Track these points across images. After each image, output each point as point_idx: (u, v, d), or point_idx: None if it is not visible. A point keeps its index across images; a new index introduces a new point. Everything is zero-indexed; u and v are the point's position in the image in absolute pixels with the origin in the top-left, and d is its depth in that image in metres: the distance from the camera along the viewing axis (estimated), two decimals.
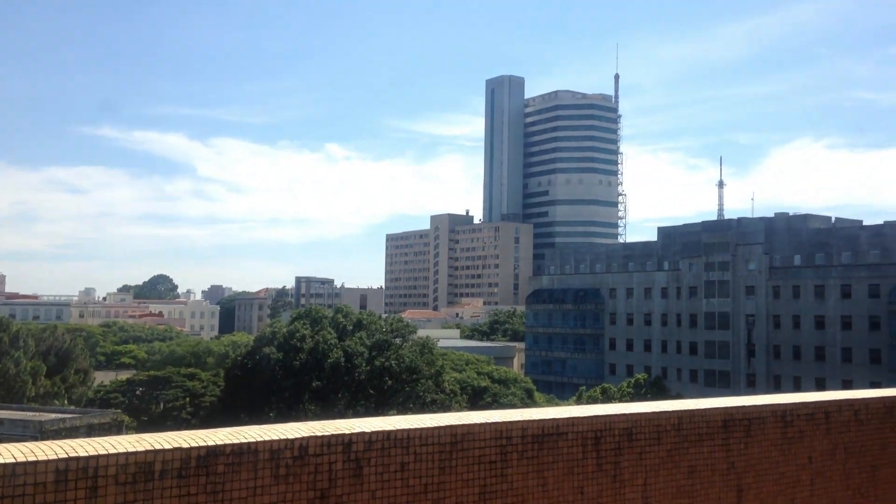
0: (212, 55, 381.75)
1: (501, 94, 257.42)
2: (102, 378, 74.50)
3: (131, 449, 2.73)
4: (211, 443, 2.89)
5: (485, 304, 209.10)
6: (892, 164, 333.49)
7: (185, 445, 2.83)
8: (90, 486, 2.63)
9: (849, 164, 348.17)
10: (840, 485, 4.81)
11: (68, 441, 2.74)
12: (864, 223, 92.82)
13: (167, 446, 2.80)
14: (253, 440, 2.99)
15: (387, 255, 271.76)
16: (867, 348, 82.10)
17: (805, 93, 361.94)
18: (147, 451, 2.75)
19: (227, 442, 2.93)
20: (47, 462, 2.57)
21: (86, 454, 2.64)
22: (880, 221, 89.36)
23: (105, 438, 2.80)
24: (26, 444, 2.66)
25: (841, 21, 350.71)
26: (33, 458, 2.55)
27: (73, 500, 2.60)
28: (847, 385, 78.46)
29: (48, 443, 2.69)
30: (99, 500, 2.64)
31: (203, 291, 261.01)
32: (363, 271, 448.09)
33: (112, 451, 2.69)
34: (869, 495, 4.94)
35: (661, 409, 4.22)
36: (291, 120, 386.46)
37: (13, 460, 2.53)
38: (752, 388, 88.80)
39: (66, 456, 2.61)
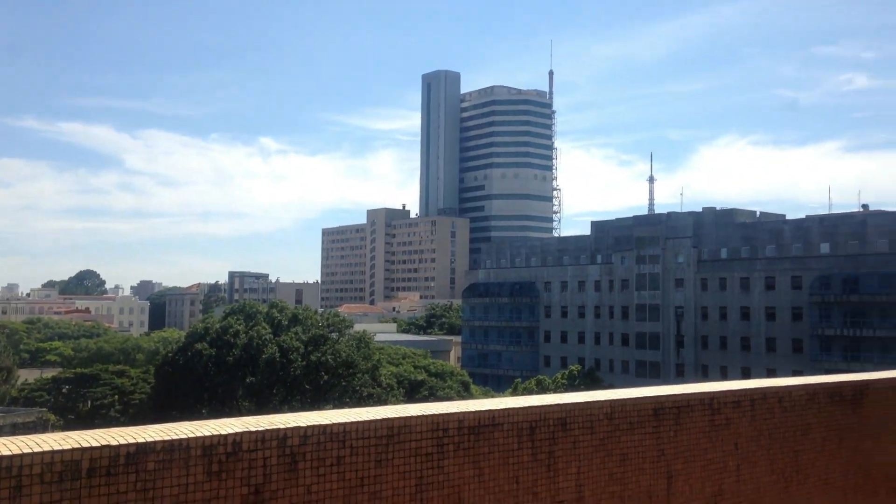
0: (140, 46, 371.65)
1: (437, 88, 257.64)
2: (27, 376, 72.01)
3: (57, 447, 2.65)
4: (141, 440, 2.83)
5: (421, 298, 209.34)
6: (813, 160, 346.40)
7: (114, 443, 2.76)
8: (14, 485, 2.54)
9: (773, 160, 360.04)
10: (765, 469, 4.98)
11: None
12: (788, 217, 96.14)
13: (95, 444, 2.72)
14: (184, 436, 2.93)
15: (323, 250, 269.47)
16: (790, 338, 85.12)
17: (731, 91, 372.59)
18: (74, 450, 2.67)
19: (158, 439, 2.86)
20: None
21: (9, 453, 2.55)
22: (803, 216, 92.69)
23: (30, 437, 2.71)
24: None
25: (765, 22, 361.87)
26: None
27: None
28: (771, 373, 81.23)
29: None
30: (24, 500, 2.56)
31: (132, 287, 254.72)
32: (299, 266, 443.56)
33: (37, 449, 2.61)
34: (792, 479, 5.12)
35: (594, 399, 4.30)
36: (223, 113, 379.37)
37: None
38: (681, 377, 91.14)
39: None
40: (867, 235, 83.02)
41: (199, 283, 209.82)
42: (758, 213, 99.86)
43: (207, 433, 2.98)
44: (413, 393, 64.60)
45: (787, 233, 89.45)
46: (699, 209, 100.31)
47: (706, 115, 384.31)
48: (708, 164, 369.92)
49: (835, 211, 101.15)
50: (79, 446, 2.69)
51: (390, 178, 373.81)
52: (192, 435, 2.94)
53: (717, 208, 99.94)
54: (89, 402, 61.69)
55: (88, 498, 2.68)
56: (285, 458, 3.16)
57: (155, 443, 2.84)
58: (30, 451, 2.60)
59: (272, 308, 63.77)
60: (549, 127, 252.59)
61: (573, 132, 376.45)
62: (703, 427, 4.68)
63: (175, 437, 2.91)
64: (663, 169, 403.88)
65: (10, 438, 2.69)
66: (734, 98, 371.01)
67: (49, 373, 72.25)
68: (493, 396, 72.99)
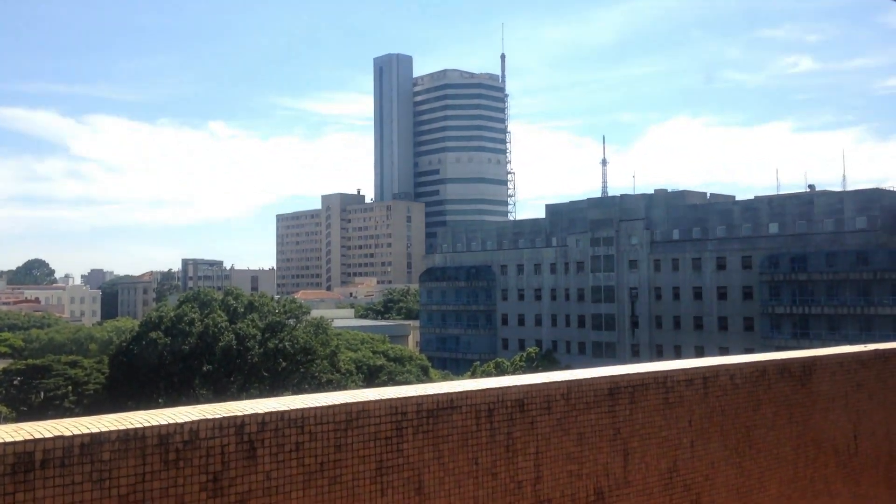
0: (83, 30, 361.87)
1: (390, 72, 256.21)
2: None
3: (9, 439, 2.60)
4: (95, 430, 2.79)
5: (379, 283, 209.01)
6: (761, 141, 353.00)
7: (68, 433, 2.72)
8: None
9: (722, 141, 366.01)
10: (718, 445, 5.10)
11: None
12: (737, 198, 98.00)
13: (48, 435, 2.68)
14: (140, 426, 2.90)
15: (278, 236, 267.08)
16: (741, 317, 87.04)
17: (680, 73, 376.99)
18: (26, 441, 2.63)
19: (113, 428, 2.83)
20: None
21: None
22: (752, 196, 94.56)
23: None
24: None
25: (711, 4, 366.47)
26: None
27: None
28: (724, 352, 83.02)
29: None
30: None
31: (83, 276, 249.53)
32: (254, 253, 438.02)
33: None
34: (745, 455, 5.26)
35: (551, 380, 4.35)
36: (171, 97, 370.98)
37: None
38: (636, 357, 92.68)
39: None
40: (814, 215, 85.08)
41: (152, 272, 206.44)
42: (708, 195, 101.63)
43: (163, 422, 2.96)
44: (372, 378, 64.63)
45: (737, 213, 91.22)
46: (651, 191, 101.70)
47: (657, 98, 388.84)
48: (659, 146, 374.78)
49: (783, 191, 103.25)
50: (31, 438, 2.64)
51: (345, 164, 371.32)
52: (147, 424, 2.91)
53: (669, 190, 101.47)
54: (42, 394, 60.46)
55: (43, 489, 2.64)
56: (243, 445, 3.15)
57: (110, 432, 2.81)
58: None
59: (227, 295, 63.13)
60: (503, 111, 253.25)
61: (526, 115, 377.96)
62: (658, 405, 4.77)
63: (130, 426, 2.88)
64: (616, 151, 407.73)
65: None
66: (684, 80, 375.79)
67: None
68: (452, 380, 73.40)
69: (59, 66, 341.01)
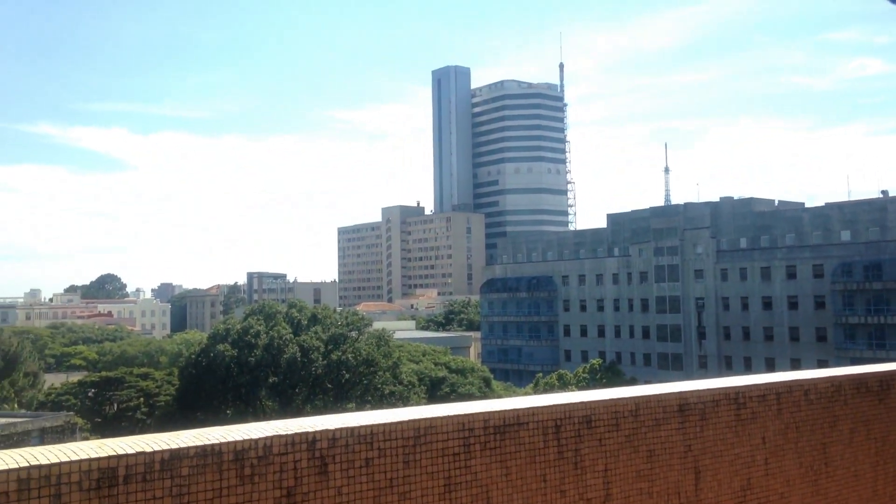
0: (149, 49, 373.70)
1: (448, 84, 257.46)
2: (53, 380, 72.81)
3: (94, 455, 2.70)
4: (174, 446, 2.88)
5: (439, 294, 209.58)
6: (829, 146, 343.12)
7: (149, 449, 2.81)
8: (54, 493, 2.60)
9: (789, 147, 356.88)
10: (793, 463, 4.97)
11: (29, 449, 2.70)
12: (807, 205, 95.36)
13: (130, 451, 2.78)
14: (216, 441, 2.98)
15: (339, 249, 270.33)
16: (813, 327, 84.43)
17: (743, 78, 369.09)
18: (110, 457, 2.72)
19: (191, 444, 2.91)
20: (9, 471, 2.54)
21: (48, 462, 2.61)
22: (822, 203, 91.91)
23: (67, 445, 2.77)
24: None
25: (774, 8, 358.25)
26: None
27: None
28: (795, 363, 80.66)
29: (8, 452, 2.65)
30: None
31: (153, 290, 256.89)
32: (315, 265, 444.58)
33: (74, 457, 2.66)
34: (821, 472, 5.11)
35: (619, 396, 4.31)
36: (233, 114, 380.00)
37: None
38: (703, 369, 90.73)
39: (27, 464, 2.57)
40: (888, 221, 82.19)
41: (219, 285, 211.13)
42: (776, 202, 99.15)
43: (239, 438, 3.03)
44: (434, 390, 64.71)
45: (807, 221, 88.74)
46: (716, 199, 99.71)
47: (720, 104, 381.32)
48: (723, 154, 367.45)
49: (854, 198, 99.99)
50: (115, 453, 2.74)
51: (404, 176, 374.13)
52: (224, 440, 2.99)
53: (735, 198, 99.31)
54: (115, 405, 62.31)
55: None
56: (315, 460, 3.20)
57: (188, 448, 2.89)
58: (67, 459, 2.66)
59: (291, 308, 64.10)
60: (562, 120, 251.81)
61: (586, 124, 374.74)
62: (730, 422, 4.68)
63: (207, 442, 2.95)
64: (678, 159, 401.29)
65: (48, 447, 2.74)
66: (746, 86, 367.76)
67: (75, 377, 73.04)
68: (514, 391, 72.98)
69: (128, 86, 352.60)
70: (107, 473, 2.71)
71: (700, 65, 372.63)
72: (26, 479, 2.56)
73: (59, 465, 2.63)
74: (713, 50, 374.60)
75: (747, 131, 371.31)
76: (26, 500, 2.55)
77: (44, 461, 2.61)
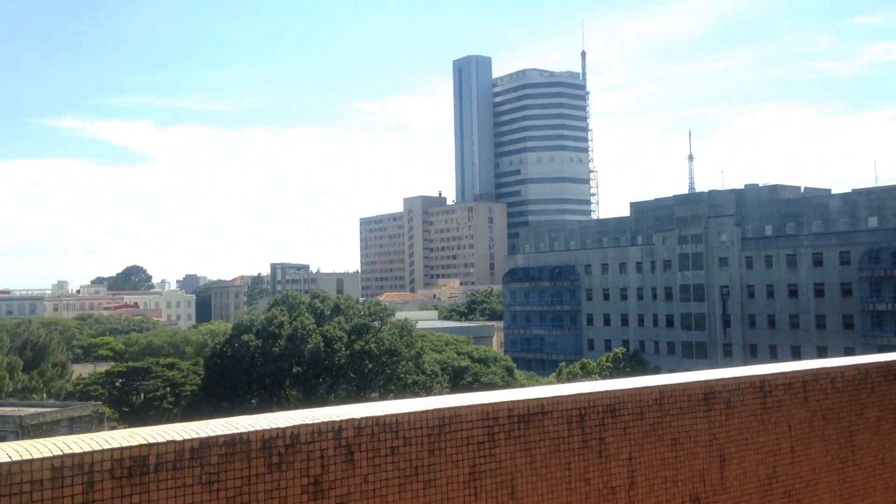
0: (171, 43, 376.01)
1: (469, 74, 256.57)
2: (81, 371, 73.87)
3: (125, 444, 2.75)
4: (204, 434, 2.92)
5: (461, 284, 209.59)
6: (856, 132, 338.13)
7: (179, 438, 2.86)
8: (86, 481, 2.66)
9: (815, 134, 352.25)
10: (819, 451, 4.94)
11: (61, 438, 2.75)
12: (833, 192, 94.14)
13: (160, 439, 2.83)
14: (245, 430, 3.02)
15: (361, 239, 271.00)
16: (840, 315, 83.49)
17: (768, 65, 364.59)
18: (141, 445, 2.78)
19: (220, 433, 2.96)
20: (42, 459, 2.59)
21: (80, 450, 2.66)
22: (848, 189, 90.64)
23: (98, 434, 2.82)
24: (20, 442, 2.67)
25: None
26: (28, 457, 2.57)
27: (70, 496, 2.62)
28: (822, 351, 79.83)
29: (42, 440, 2.71)
30: (96, 495, 2.67)
31: (178, 281, 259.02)
32: (338, 256, 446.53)
33: (106, 446, 2.72)
34: (847, 460, 5.08)
35: (643, 385, 4.30)
36: (254, 107, 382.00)
37: (8, 459, 2.54)
38: (728, 358, 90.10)
39: (60, 453, 2.63)
40: None
41: (243, 276, 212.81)
42: (802, 189, 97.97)
43: (266, 426, 3.07)
44: (457, 379, 64.85)
45: (834, 207, 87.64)
46: (741, 186, 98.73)
47: (744, 91, 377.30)
48: (748, 141, 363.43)
49: (882, 184, 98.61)
50: (146, 442, 2.79)
51: (426, 166, 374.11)
52: (252, 429, 3.03)
53: (760, 185, 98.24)
54: (142, 395, 63.12)
55: (157, 491, 2.78)
56: (341, 449, 3.24)
57: (217, 437, 2.94)
58: (99, 447, 2.71)
59: (314, 298, 64.49)
60: (584, 108, 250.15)
61: (609, 113, 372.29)
62: (755, 410, 4.66)
63: (236, 431, 3.00)
64: (702, 147, 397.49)
65: (80, 436, 2.80)
66: (772, 71, 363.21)
67: (102, 367, 74.06)
68: (537, 381, 72.92)
69: (151, 80, 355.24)
70: (138, 462, 2.76)
71: (724, 52, 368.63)
72: (60, 467, 2.62)
73: (92, 453, 2.68)
74: (738, 36, 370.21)
75: (773, 118, 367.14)
76: (60, 487, 2.61)
77: (76, 450, 2.66)
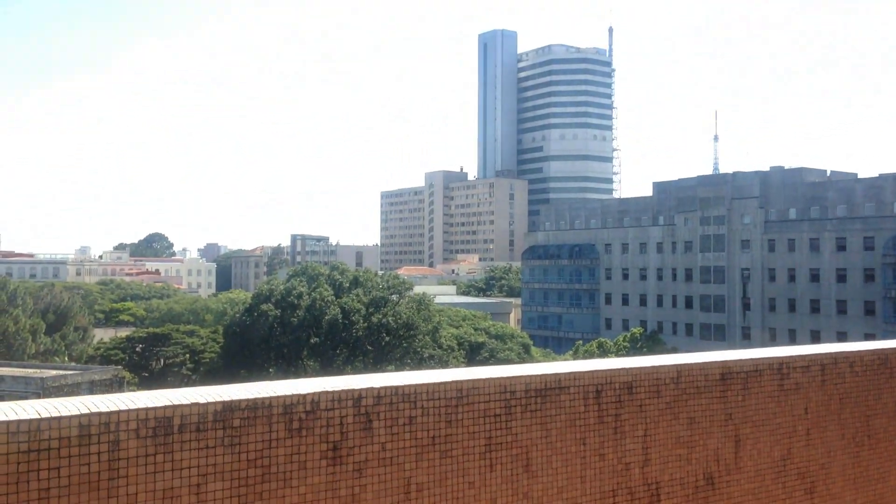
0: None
1: (494, 48, 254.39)
2: (102, 335, 74.86)
3: (150, 404, 2.82)
4: (227, 398, 2.98)
5: (480, 260, 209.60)
6: (885, 115, 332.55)
7: (202, 401, 2.92)
8: (112, 440, 2.72)
9: (843, 116, 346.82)
10: (836, 434, 4.95)
11: (89, 397, 2.82)
12: (860, 176, 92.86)
13: (185, 402, 2.89)
14: (267, 395, 3.08)
15: (381, 213, 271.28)
16: (862, 300, 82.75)
17: (798, 44, 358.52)
18: (166, 406, 2.84)
19: (242, 397, 3.02)
20: (70, 417, 2.66)
21: (107, 409, 2.73)
22: (875, 174, 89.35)
23: (124, 395, 2.89)
24: (49, 400, 2.74)
25: None
26: (57, 414, 2.64)
27: (97, 453, 2.70)
28: (842, 337, 79.28)
29: (70, 399, 2.77)
30: (121, 453, 2.74)
31: (199, 249, 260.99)
32: (358, 229, 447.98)
33: (132, 406, 2.78)
34: (864, 444, 5.09)
35: (660, 363, 4.33)
36: (278, 74, 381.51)
37: (37, 416, 2.62)
38: (747, 341, 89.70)
39: (88, 411, 2.70)
40: None
41: (263, 246, 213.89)
42: (828, 172, 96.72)
43: (288, 392, 3.13)
44: (473, 355, 65.12)
45: (860, 192, 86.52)
46: (766, 168, 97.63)
47: (773, 71, 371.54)
48: (776, 122, 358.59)
49: None
50: (170, 403, 2.85)
51: (448, 140, 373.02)
52: (273, 394, 3.09)
53: (785, 167, 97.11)
54: (162, 361, 63.93)
55: (180, 452, 2.85)
56: (360, 416, 3.29)
57: (240, 401, 3.00)
58: (126, 407, 2.78)
59: (334, 270, 64.83)
60: (609, 86, 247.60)
61: (634, 90, 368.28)
62: (772, 392, 4.67)
63: (258, 395, 3.06)
64: (728, 128, 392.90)
65: (107, 396, 2.87)
66: (802, 53, 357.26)
67: (123, 332, 75.02)
68: (553, 358, 73.05)
69: None
70: (163, 422, 2.83)
71: (753, 30, 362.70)
72: (87, 425, 2.69)
73: (118, 412, 2.75)
74: (766, 15, 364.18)
75: (802, 99, 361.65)
76: (87, 445, 2.68)
77: (103, 409, 2.73)
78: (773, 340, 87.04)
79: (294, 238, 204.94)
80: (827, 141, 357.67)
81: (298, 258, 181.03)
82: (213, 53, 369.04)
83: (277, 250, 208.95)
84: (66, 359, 63.94)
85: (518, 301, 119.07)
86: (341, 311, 58.11)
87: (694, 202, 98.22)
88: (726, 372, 4.49)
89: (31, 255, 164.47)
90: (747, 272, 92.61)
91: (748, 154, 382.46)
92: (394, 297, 62.16)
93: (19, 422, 2.58)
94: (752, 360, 4.63)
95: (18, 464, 2.57)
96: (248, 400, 3.01)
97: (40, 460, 2.60)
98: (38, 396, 40.77)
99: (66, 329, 68.10)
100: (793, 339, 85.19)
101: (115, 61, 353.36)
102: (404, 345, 59.45)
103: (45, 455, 2.61)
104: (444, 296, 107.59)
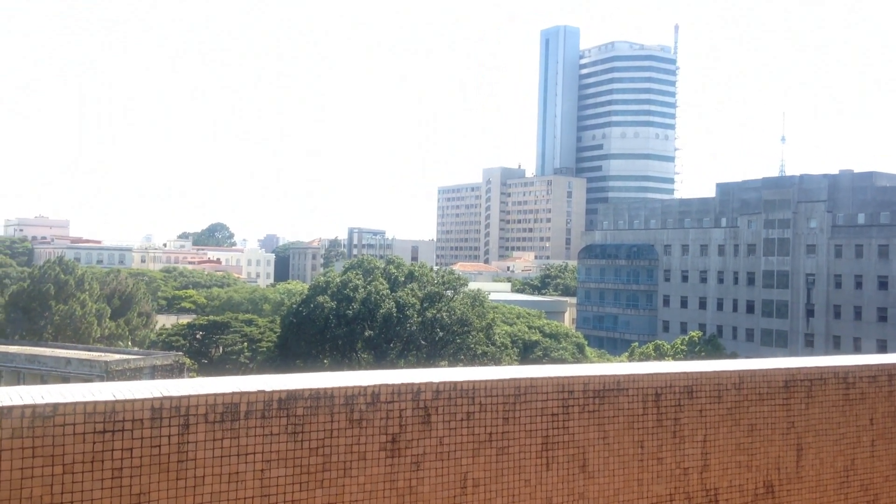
0: None
1: (556, 45, 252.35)
2: (164, 321, 76.85)
3: (219, 390, 2.91)
4: (291, 387, 3.06)
5: (536, 258, 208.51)
6: None
7: (268, 389, 3.01)
8: (182, 423, 2.82)
9: None
10: None
11: (161, 381, 2.93)
12: None
13: (251, 389, 2.98)
14: (329, 386, 3.15)
15: (438, 208, 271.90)
16: None
17: (873, 45, 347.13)
18: (233, 393, 2.93)
19: (306, 387, 3.09)
20: (143, 400, 2.77)
21: (178, 394, 2.83)
22: None
23: (195, 380, 2.99)
24: (124, 383, 2.86)
25: None
26: (131, 397, 2.75)
27: (168, 435, 2.80)
28: None
29: (143, 382, 2.89)
30: (190, 437, 2.84)
31: (259, 240, 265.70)
32: (414, 223, 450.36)
33: (202, 391, 2.88)
34: None
35: (722, 369, 4.28)
36: (337, 77, 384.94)
37: (113, 398, 2.73)
38: (810, 348, 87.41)
39: (160, 395, 2.80)
40: None
41: (320, 238, 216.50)
42: None
43: (349, 384, 3.19)
44: (527, 353, 64.89)
45: None
46: (835, 172, 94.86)
47: (844, 71, 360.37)
48: (845, 124, 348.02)
49: None
50: (238, 390, 2.95)
51: (507, 137, 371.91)
52: (336, 385, 3.16)
53: (855, 171, 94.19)
54: (221, 348, 65.33)
55: (245, 437, 2.94)
56: (419, 410, 3.34)
57: (304, 390, 3.07)
58: (195, 392, 2.87)
59: (389, 264, 65.23)
60: (673, 84, 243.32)
61: (699, 89, 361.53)
62: (837, 401, 4.57)
63: (321, 385, 3.13)
64: (796, 129, 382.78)
65: (177, 381, 2.97)
66: (876, 53, 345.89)
67: (184, 319, 76.87)
68: (608, 359, 72.33)
69: None
70: (230, 408, 2.92)
71: (823, 29, 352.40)
72: (159, 408, 2.79)
73: (188, 397, 2.85)
74: (836, 12, 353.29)
75: (873, 100, 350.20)
76: (158, 427, 2.79)
77: (175, 393, 2.84)
78: (837, 348, 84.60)
79: (351, 231, 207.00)
80: None
81: (355, 251, 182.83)
82: (281, 48, 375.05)
83: (334, 243, 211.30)
84: (130, 343, 65.84)
85: (573, 300, 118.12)
86: (396, 305, 58.48)
87: (758, 204, 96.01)
88: (790, 379, 4.42)
89: (99, 242, 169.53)
90: (812, 278, 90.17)
91: (815, 156, 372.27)
92: (448, 292, 62.25)
93: (95, 402, 2.70)
94: (816, 367, 4.55)
95: (94, 443, 2.68)
96: (311, 389, 3.09)
97: (115, 441, 2.71)
98: (102, 380, 42.07)
99: (130, 314, 70.11)
100: (858, 348, 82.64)
101: (186, 56, 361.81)
102: (458, 341, 59.54)
103: (119, 436, 2.72)
104: (499, 293, 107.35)
